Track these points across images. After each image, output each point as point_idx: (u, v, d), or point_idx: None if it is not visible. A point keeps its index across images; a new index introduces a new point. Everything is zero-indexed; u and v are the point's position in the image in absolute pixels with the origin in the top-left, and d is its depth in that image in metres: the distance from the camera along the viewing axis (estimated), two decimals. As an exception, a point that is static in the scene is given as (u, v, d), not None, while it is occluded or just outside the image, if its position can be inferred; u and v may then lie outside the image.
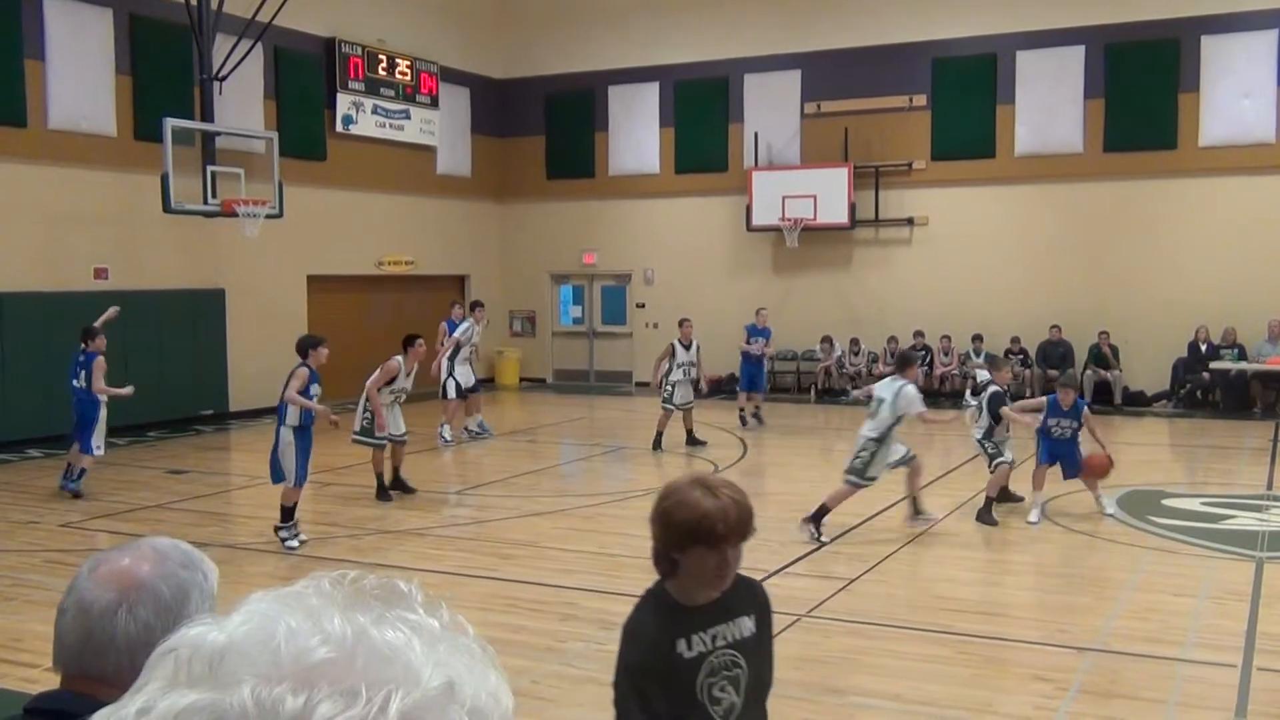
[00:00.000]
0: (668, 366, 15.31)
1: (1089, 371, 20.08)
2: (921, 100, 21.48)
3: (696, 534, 2.80)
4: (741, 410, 17.70)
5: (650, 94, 23.62)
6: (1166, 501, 11.81)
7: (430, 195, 23.11)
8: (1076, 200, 20.47)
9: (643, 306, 24.09)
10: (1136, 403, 19.87)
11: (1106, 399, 19.86)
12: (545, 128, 24.70)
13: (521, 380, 24.78)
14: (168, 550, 1.76)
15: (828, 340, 21.79)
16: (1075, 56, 20.32)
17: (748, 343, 17.68)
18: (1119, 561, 9.44)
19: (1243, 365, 19.13)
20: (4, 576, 9.12)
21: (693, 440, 15.37)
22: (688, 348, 15.27)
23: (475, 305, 17.16)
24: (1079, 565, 9.42)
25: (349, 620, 0.79)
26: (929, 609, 8.05)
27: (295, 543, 9.85)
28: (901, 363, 10.72)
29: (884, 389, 10.27)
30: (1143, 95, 19.85)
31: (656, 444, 15.24)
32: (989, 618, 7.90)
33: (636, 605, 3.03)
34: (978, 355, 20.76)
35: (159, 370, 17.02)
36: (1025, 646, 7.28)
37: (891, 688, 6.49)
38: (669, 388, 15.23)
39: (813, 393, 21.64)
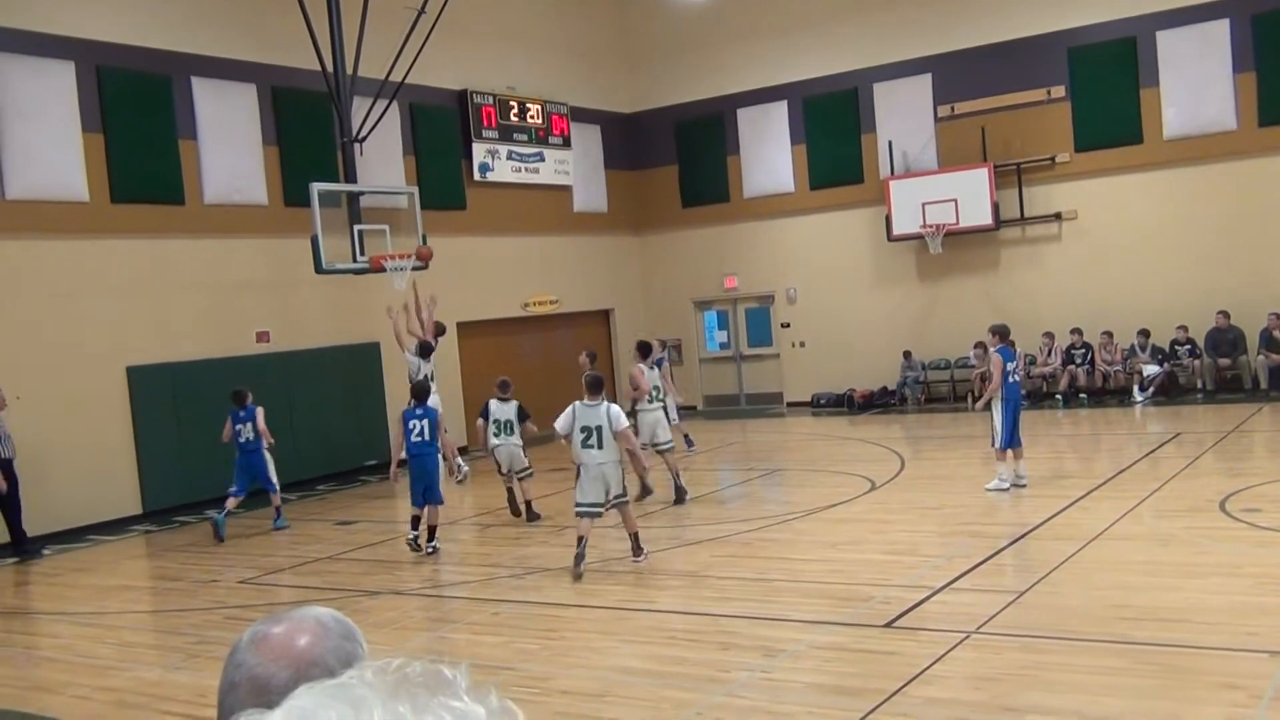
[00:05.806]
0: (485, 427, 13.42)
1: (1261, 356, 19.08)
2: (1060, 92, 20.86)
3: None
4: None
5: (779, 113, 23.51)
6: (1359, 489, 11.12)
7: (569, 234, 23.44)
8: (1234, 179, 19.53)
9: (788, 326, 23.91)
10: (1319, 386, 18.80)
11: (1285, 384, 18.86)
12: (677, 156, 24.83)
13: (673, 409, 24.87)
14: (329, 622, 1.75)
15: (981, 345, 21.21)
16: (1220, 30, 19.45)
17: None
18: (1310, 556, 8.90)
19: None
20: (189, 634, 9.53)
21: (531, 514, 13.20)
22: (504, 403, 13.29)
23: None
24: (1266, 563, 8.90)
25: (390, 711, 0.78)
26: (1104, 619, 7.71)
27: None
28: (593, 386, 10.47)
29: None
30: (1297, 63, 18.88)
31: (529, 515, 13.18)
32: (1169, 624, 7.51)
33: None
34: (1143, 350, 19.96)
35: (323, 425, 17.62)
36: (1211, 653, 6.90)
37: (1070, 704, 6.24)
38: (493, 455, 13.46)
39: (970, 400, 21.06)
